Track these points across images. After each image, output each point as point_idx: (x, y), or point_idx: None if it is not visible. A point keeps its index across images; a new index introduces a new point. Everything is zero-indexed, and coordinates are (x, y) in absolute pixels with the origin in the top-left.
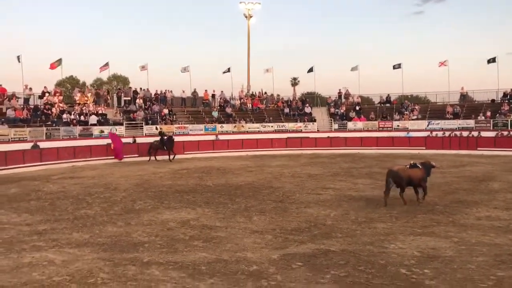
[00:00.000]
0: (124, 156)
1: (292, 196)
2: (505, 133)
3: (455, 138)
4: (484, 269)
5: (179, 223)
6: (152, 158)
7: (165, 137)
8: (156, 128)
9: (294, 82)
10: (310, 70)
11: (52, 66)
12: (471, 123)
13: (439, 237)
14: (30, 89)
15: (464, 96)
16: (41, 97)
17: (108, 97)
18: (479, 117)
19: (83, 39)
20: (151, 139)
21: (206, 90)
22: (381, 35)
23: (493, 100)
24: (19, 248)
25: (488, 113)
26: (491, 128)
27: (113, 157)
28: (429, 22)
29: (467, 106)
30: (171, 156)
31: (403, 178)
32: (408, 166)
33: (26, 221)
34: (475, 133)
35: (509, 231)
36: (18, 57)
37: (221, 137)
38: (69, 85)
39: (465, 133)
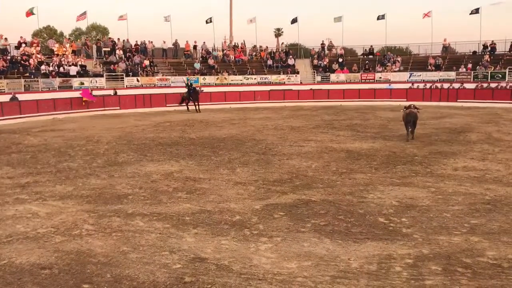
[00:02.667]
0: (106, 108)
1: (275, 148)
2: (485, 85)
3: (435, 90)
4: (459, 217)
5: (163, 175)
6: (185, 107)
7: (191, 89)
8: (184, 81)
9: (278, 33)
10: (294, 20)
11: (28, 14)
12: (452, 75)
13: (417, 187)
14: (6, 39)
15: (446, 48)
16: (17, 47)
17: (87, 48)
18: (460, 69)
19: None
20: (132, 91)
21: (187, 41)
22: None
23: (474, 52)
24: (1, 201)
25: (470, 65)
26: (472, 80)
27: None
28: None
29: (449, 58)
30: (197, 107)
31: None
32: (405, 108)
33: (7, 174)
34: (456, 85)
35: (484, 181)
36: None
37: (204, 89)
38: (46, 35)
39: (446, 85)
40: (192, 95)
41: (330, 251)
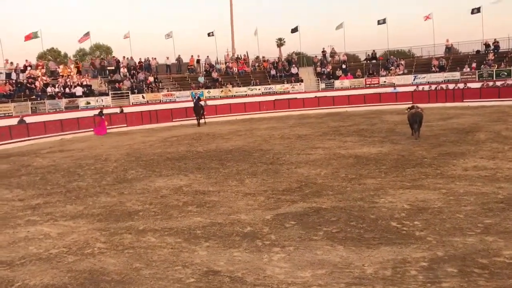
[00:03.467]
0: (113, 126)
1: (282, 157)
2: (491, 83)
3: (441, 91)
4: (472, 217)
5: (172, 190)
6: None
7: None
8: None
9: (280, 42)
10: (295, 30)
11: (27, 38)
12: (457, 75)
13: (428, 189)
14: (11, 63)
15: (449, 49)
16: (23, 71)
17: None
18: (464, 69)
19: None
20: (138, 108)
21: (192, 56)
22: None
23: (478, 51)
24: (13, 223)
25: (474, 65)
26: (477, 79)
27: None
28: None
29: (453, 59)
30: (200, 120)
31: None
32: (409, 109)
33: (18, 197)
34: (461, 85)
35: (495, 179)
36: None
37: (208, 102)
38: (51, 57)
39: (451, 86)
40: (195, 110)
41: (344, 258)
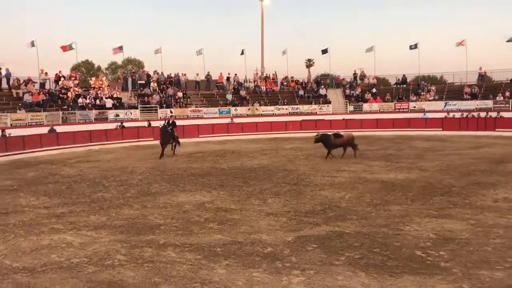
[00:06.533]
0: (140, 139)
1: (307, 178)
2: None
3: (472, 119)
4: (501, 251)
5: (195, 206)
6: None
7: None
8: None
9: (309, 63)
10: (325, 51)
11: (64, 49)
12: (489, 103)
13: (455, 219)
14: (46, 73)
15: (482, 76)
16: (56, 81)
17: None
18: (497, 97)
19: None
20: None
21: (221, 73)
22: (397, 15)
23: (511, 80)
24: (38, 230)
25: (507, 93)
26: (510, 108)
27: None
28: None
29: (485, 86)
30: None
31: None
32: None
33: (44, 204)
34: (493, 114)
35: None
36: (33, 42)
37: (235, 120)
38: (84, 69)
39: (482, 114)
40: (163, 137)
41: (365, 285)
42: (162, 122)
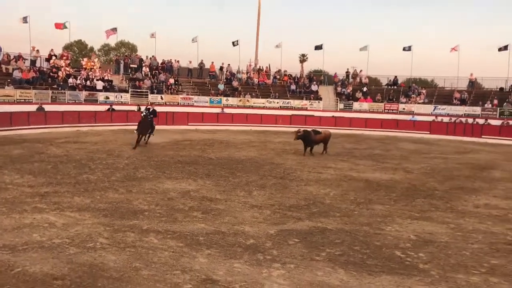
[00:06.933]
0: (128, 123)
1: (293, 173)
2: (511, 122)
3: (460, 124)
4: (478, 256)
5: (180, 194)
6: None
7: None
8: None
9: (303, 58)
10: (319, 47)
11: (58, 26)
12: (477, 110)
13: (436, 222)
14: (37, 51)
15: (472, 83)
16: (48, 59)
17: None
18: (486, 105)
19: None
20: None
21: (213, 62)
22: (393, 15)
23: (501, 89)
24: (20, 209)
25: (496, 101)
26: (497, 116)
27: None
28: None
29: (475, 93)
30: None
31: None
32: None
33: (28, 183)
34: (480, 121)
35: (506, 220)
36: (25, 18)
37: (226, 110)
38: (77, 48)
39: (470, 120)
40: (143, 127)
41: (344, 282)
42: (143, 109)
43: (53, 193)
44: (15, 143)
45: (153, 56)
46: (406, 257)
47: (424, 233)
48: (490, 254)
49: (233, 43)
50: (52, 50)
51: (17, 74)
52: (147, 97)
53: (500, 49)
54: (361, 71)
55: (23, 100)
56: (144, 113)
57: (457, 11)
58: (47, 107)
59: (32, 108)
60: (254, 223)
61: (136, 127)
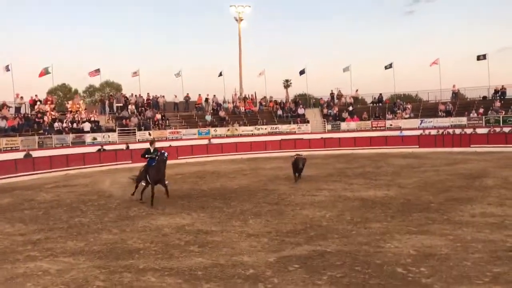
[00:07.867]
0: (118, 162)
1: (287, 198)
2: (498, 129)
3: (448, 136)
4: (480, 265)
5: (174, 229)
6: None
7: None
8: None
9: (287, 84)
10: (302, 72)
11: (41, 74)
12: (463, 120)
13: (434, 235)
14: (22, 98)
15: (455, 94)
16: (32, 106)
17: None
18: (471, 114)
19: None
20: (144, 145)
21: (200, 95)
22: (372, 35)
23: (484, 97)
24: (13, 258)
25: (481, 110)
26: (484, 124)
27: None
28: (420, 22)
29: (459, 104)
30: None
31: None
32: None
33: (19, 231)
34: (468, 130)
35: (503, 227)
36: (7, 66)
37: (214, 140)
38: (61, 92)
39: (457, 131)
40: (150, 173)
41: None
42: (149, 148)
43: (45, 240)
44: (4, 192)
45: (138, 93)
46: (408, 273)
47: (424, 247)
48: (491, 262)
49: (219, 74)
50: (36, 95)
51: (2, 122)
52: (135, 134)
53: (479, 58)
54: (357, 90)
55: (9, 148)
56: (153, 156)
57: (435, 25)
58: (35, 153)
59: (19, 155)
60: (252, 252)
61: (136, 173)
